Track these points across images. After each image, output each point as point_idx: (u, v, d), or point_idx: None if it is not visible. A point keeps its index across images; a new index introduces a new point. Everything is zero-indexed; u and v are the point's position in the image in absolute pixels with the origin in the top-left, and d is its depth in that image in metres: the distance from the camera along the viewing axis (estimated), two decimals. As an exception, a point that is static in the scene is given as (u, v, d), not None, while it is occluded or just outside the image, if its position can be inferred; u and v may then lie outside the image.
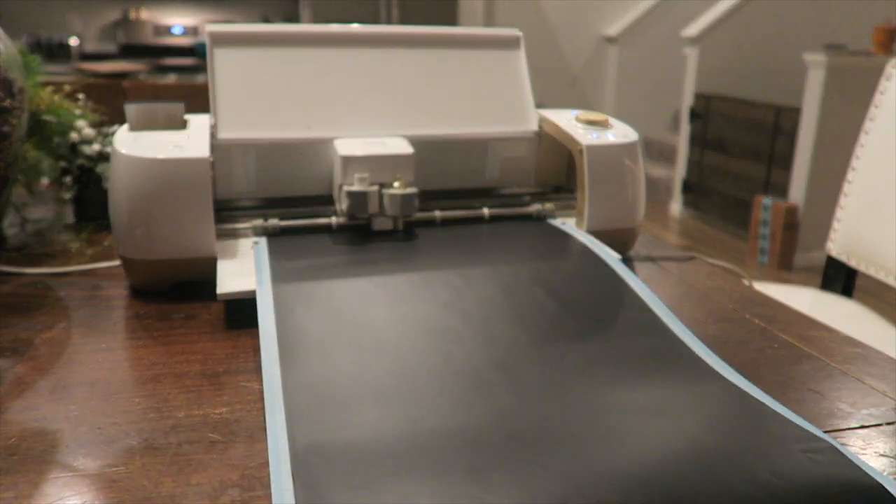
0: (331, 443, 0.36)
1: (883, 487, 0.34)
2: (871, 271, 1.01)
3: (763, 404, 0.41)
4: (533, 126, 0.73)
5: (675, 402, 0.40)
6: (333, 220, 0.64)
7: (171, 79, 2.87)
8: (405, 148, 0.63)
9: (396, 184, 0.61)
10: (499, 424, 0.38)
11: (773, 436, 0.37)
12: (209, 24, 0.67)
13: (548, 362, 0.44)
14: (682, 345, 0.47)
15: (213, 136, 0.63)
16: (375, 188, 0.61)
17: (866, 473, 0.35)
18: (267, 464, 0.36)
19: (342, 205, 0.61)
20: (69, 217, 0.81)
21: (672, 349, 0.47)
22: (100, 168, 0.77)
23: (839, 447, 0.37)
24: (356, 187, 0.60)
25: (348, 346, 0.45)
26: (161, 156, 0.56)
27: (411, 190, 0.62)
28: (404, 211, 0.61)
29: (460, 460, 0.34)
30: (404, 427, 0.37)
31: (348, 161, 0.61)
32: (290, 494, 0.32)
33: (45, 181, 0.77)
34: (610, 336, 0.48)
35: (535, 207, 0.70)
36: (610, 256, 0.60)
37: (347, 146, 0.62)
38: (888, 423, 0.42)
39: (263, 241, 0.60)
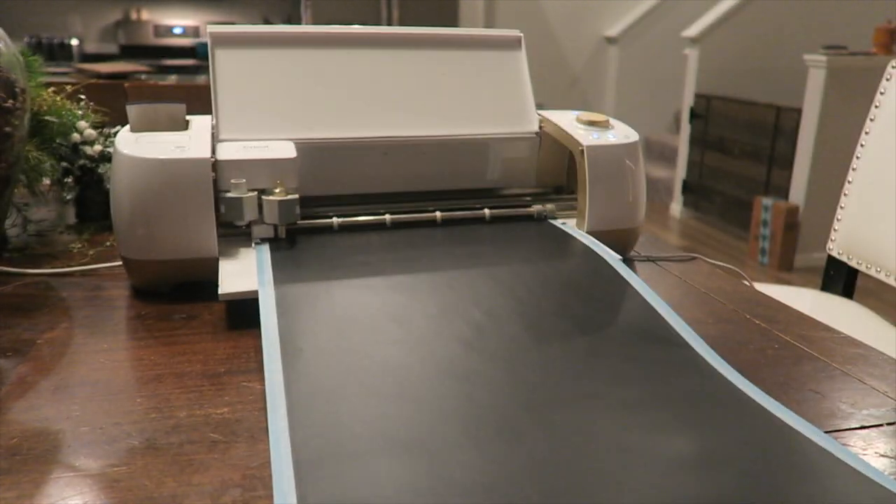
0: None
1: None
2: (872, 271, 1.01)
3: (801, 435, 0.37)
4: (533, 127, 0.73)
5: (721, 449, 0.36)
6: (335, 220, 0.64)
7: (172, 79, 2.87)
8: (288, 152, 0.61)
9: (277, 190, 0.59)
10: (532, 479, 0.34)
11: (830, 483, 0.33)
12: (210, 25, 0.67)
13: (579, 404, 0.40)
14: (723, 381, 0.43)
15: (214, 136, 0.63)
16: (253, 194, 0.58)
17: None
18: (268, 464, 0.36)
19: (220, 210, 0.59)
20: (71, 217, 0.81)
21: (709, 386, 0.43)
22: (101, 169, 0.77)
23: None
24: (231, 193, 0.58)
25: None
26: (163, 156, 0.56)
27: (292, 197, 0.59)
28: (284, 219, 0.59)
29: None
30: (421, 469, 0.34)
31: (223, 165, 0.58)
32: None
33: (46, 182, 0.77)
34: (642, 369, 0.44)
35: (535, 208, 0.70)
36: (611, 257, 0.60)
37: (226, 150, 0.60)
38: (889, 424, 0.42)
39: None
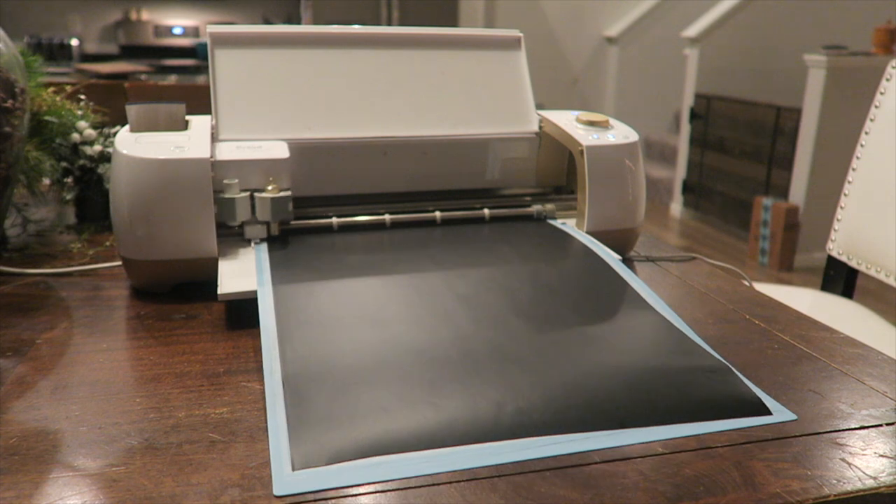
0: (315, 358, 0.44)
1: (760, 401, 0.43)
2: (872, 271, 1.01)
3: (684, 335, 0.49)
4: (533, 127, 0.73)
5: (612, 332, 0.49)
6: (334, 220, 0.64)
7: (172, 79, 2.87)
8: (281, 152, 0.61)
9: (270, 188, 0.59)
10: (456, 345, 0.46)
11: (684, 360, 0.46)
12: (210, 25, 0.67)
13: (509, 305, 0.51)
14: (633, 292, 0.54)
15: (214, 136, 0.63)
16: (245, 195, 0.59)
17: (749, 389, 0.44)
18: (268, 463, 0.36)
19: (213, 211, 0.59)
20: (70, 218, 0.81)
21: (624, 294, 0.54)
22: (101, 169, 0.77)
23: (732, 368, 0.45)
24: (225, 194, 0.58)
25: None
26: (162, 156, 0.56)
27: (284, 193, 0.59)
28: (277, 216, 0.59)
29: (420, 373, 0.43)
30: (377, 347, 0.45)
31: (217, 166, 0.58)
32: (281, 399, 0.40)
33: (46, 182, 0.77)
34: (573, 293, 0.54)
35: (535, 208, 0.70)
36: (611, 257, 0.60)
37: (219, 151, 0.60)
38: (888, 424, 0.42)
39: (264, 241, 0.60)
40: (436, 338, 0.47)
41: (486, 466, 0.36)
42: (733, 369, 0.45)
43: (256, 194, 0.59)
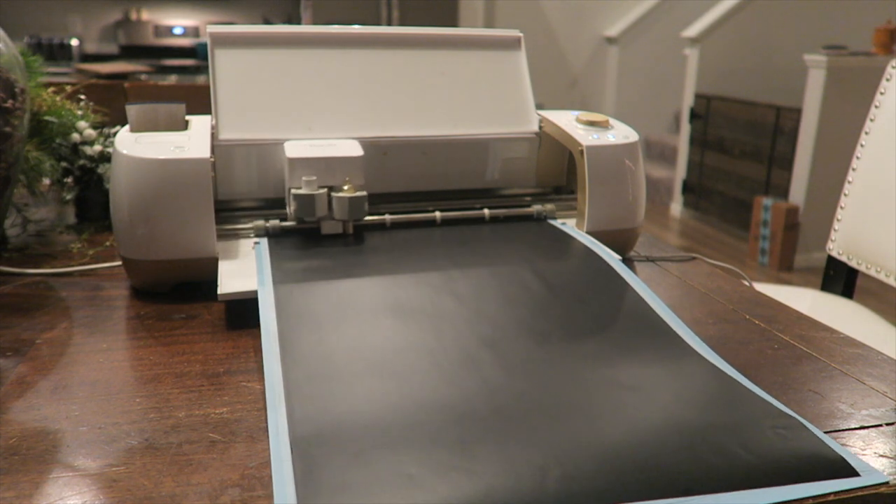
0: (327, 419, 0.38)
1: (844, 460, 0.37)
2: (872, 271, 1.01)
3: (737, 382, 0.44)
4: (533, 127, 0.73)
5: (654, 378, 0.43)
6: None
7: (171, 79, 2.87)
8: (355, 150, 0.62)
9: (346, 187, 0.60)
10: (485, 398, 0.41)
11: (745, 412, 0.40)
12: (210, 25, 0.67)
13: (533, 340, 0.47)
14: (663, 324, 0.50)
15: (214, 136, 0.63)
16: (323, 191, 0.59)
17: (829, 447, 0.38)
18: (268, 463, 0.36)
19: (290, 207, 0.60)
20: (70, 218, 0.81)
21: (654, 328, 0.49)
22: (101, 169, 0.77)
23: (806, 423, 0.40)
24: (303, 190, 0.59)
25: (349, 343, 0.46)
26: (162, 156, 0.56)
27: (360, 193, 0.60)
28: (353, 215, 0.60)
29: (448, 433, 0.37)
30: (396, 401, 0.40)
31: (295, 163, 0.59)
32: (289, 465, 0.34)
33: (46, 182, 0.77)
34: (595, 317, 0.50)
35: (535, 208, 0.70)
36: (611, 257, 0.60)
37: (295, 148, 0.61)
38: (888, 424, 0.42)
39: (264, 241, 0.60)
40: (460, 389, 0.42)
41: None
42: (804, 422, 0.40)
43: (333, 194, 0.60)
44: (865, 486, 0.36)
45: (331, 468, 0.34)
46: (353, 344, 0.46)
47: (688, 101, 3.49)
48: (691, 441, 0.37)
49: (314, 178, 0.59)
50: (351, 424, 0.38)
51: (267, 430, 0.39)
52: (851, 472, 0.36)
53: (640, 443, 0.37)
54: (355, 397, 0.40)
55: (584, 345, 0.47)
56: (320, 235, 0.62)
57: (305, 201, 0.59)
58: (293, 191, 0.59)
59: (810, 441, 0.38)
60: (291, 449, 0.36)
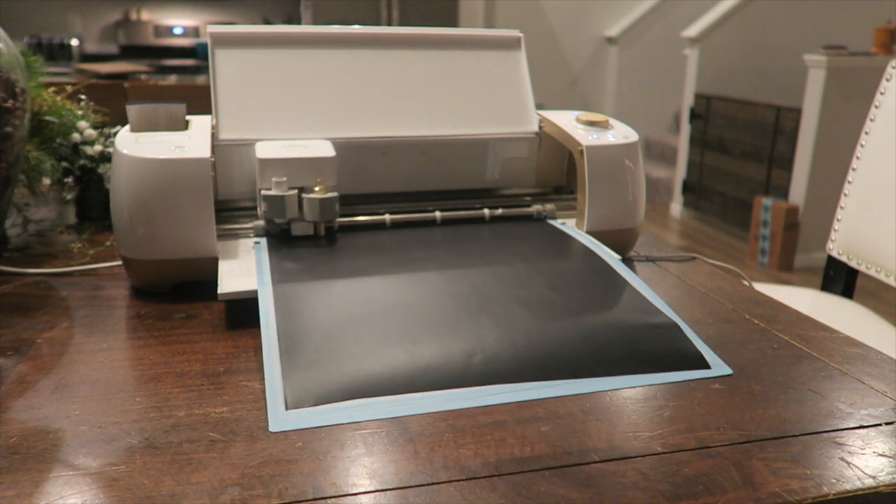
0: (307, 311, 0.48)
1: (702, 356, 0.48)
2: (872, 271, 1.02)
3: (643, 297, 0.53)
4: (533, 127, 0.73)
5: (582, 296, 0.53)
6: (335, 220, 0.64)
7: (172, 79, 2.87)
8: (327, 151, 0.61)
9: (317, 188, 0.60)
10: (431, 300, 0.51)
11: (637, 318, 0.51)
12: (210, 26, 0.67)
13: (485, 270, 0.56)
14: (613, 271, 0.58)
15: (214, 136, 0.63)
16: (294, 192, 0.59)
17: (693, 346, 0.48)
18: (268, 463, 0.37)
19: (260, 209, 0.60)
20: (71, 217, 0.81)
21: (604, 274, 0.57)
22: (101, 169, 0.77)
23: (684, 328, 0.50)
24: (273, 191, 0.59)
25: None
26: (162, 156, 0.56)
27: (331, 194, 0.60)
28: (324, 216, 0.60)
29: (399, 325, 0.48)
30: (360, 301, 0.50)
31: (265, 164, 0.59)
32: (276, 347, 0.45)
33: (46, 182, 0.77)
34: (556, 269, 0.58)
35: (535, 208, 0.70)
36: (610, 257, 0.60)
37: (266, 149, 0.61)
38: (887, 423, 0.42)
39: (264, 241, 0.60)
40: (416, 295, 0.52)
41: (459, 410, 0.41)
42: (681, 325, 0.50)
43: (304, 195, 0.60)
44: (714, 378, 0.46)
45: (307, 348, 0.45)
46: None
47: (688, 101, 3.49)
48: (585, 335, 0.48)
49: (284, 179, 0.59)
50: (324, 317, 0.48)
51: (267, 429, 0.39)
52: (704, 365, 0.47)
53: (547, 338, 0.48)
54: (329, 301, 0.50)
55: (529, 273, 0.56)
56: (320, 235, 0.62)
57: (275, 202, 0.59)
58: (263, 192, 0.59)
59: (679, 341, 0.49)
60: (278, 335, 0.46)
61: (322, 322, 0.48)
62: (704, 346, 0.49)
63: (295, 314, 0.48)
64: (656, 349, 0.48)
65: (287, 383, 0.42)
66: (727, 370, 0.47)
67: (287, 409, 0.40)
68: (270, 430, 0.39)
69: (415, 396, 0.42)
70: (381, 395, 0.42)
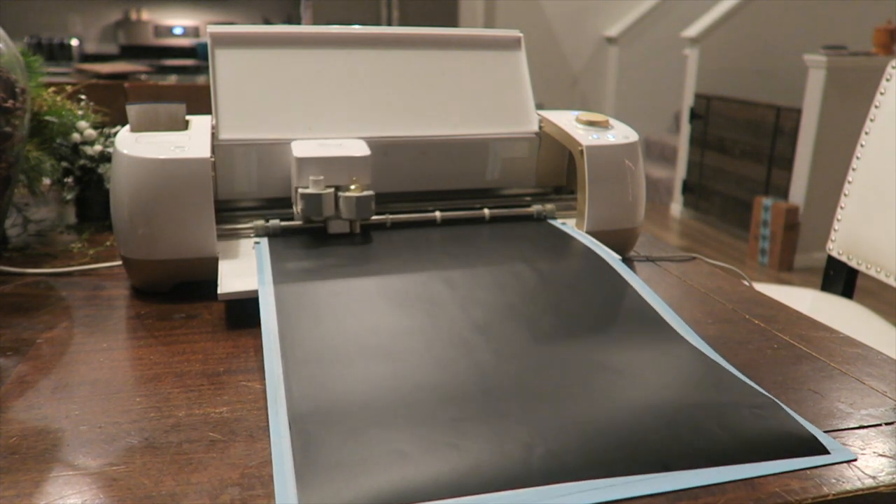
0: (324, 397, 0.40)
1: (816, 439, 0.39)
2: (872, 271, 1.02)
3: (720, 367, 0.45)
4: (533, 127, 0.73)
5: (640, 362, 0.45)
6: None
7: (172, 79, 2.87)
8: (362, 150, 0.62)
9: (353, 186, 0.60)
10: (476, 380, 0.42)
11: (724, 394, 0.42)
12: (210, 26, 0.67)
13: (524, 325, 0.49)
14: (654, 313, 0.52)
15: (214, 136, 0.63)
16: (331, 191, 0.60)
17: (802, 427, 0.40)
18: (268, 462, 0.36)
19: (297, 207, 0.60)
20: (71, 217, 0.81)
21: (645, 316, 0.51)
22: (101, 169, 0.77)
23: (782, 405, 0.42)
24: (310, 189, 0.59)
25: (347, 329, 0.46)
26: (162, 156, 0.56)
27: (367, 193, 0.60)
28: (360, 214, 0.60)
29: (440, 412, 0.39)
30: (390, 382, 0.42)
31: (302, 162, 0.60)
32: (288, 443, 0.36)
33: (46, 182, 0.77)
34: (587, 305, 0.52)
35: (535, 208, 0.70)
36: (611, 257, 0.60)
37: (302, 147, 0.61)
38: (887, 424, 0.42)
39: (264, 241, 0.60)
40: (452, 372, 0.43)
41: None
42: (779, 402, 0.42)
43: (341, 193, 0.60)
44: (834, 464, 0.38)
45: (327, 445, 0.36)
46: (351, 330, 0.47)
47: (688, 101, 3.49)
48: (671, 420, 0.39)
49: (321, 177, 0.59)
50: (347, 403, 0.40)
51: (267, 430, 0.39)
52: (822, 450, 0.38)
53: (622, 421, 0.39)
54: (351, 378, 0.42)
55: (574, 329, 0.49)
56: (320, 235, 0.62)
57: (313, 201, 0.59)
58: (300, 190, 0.59)
59: (784, 421, 0.40)
60: (290, 426, 0.37)
61: (340, 403, 0.40)
62: (810, 425, 0.40)
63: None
64: (763, 433, 0.39)
65: (302, 491, 0.33)
66: (849, 455, 0.38)
67: None
68: None
69: (466, 501, 0.33)
70: (422, 502, 0.33)
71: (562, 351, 0.46)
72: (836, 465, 0.37)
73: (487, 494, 0.34)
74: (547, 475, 0.35)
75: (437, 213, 0.67)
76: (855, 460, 0.38)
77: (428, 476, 0.34)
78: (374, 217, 0.65)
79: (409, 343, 0.46)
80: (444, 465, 0.35)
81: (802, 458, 0.38)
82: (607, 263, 0.59)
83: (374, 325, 0.48)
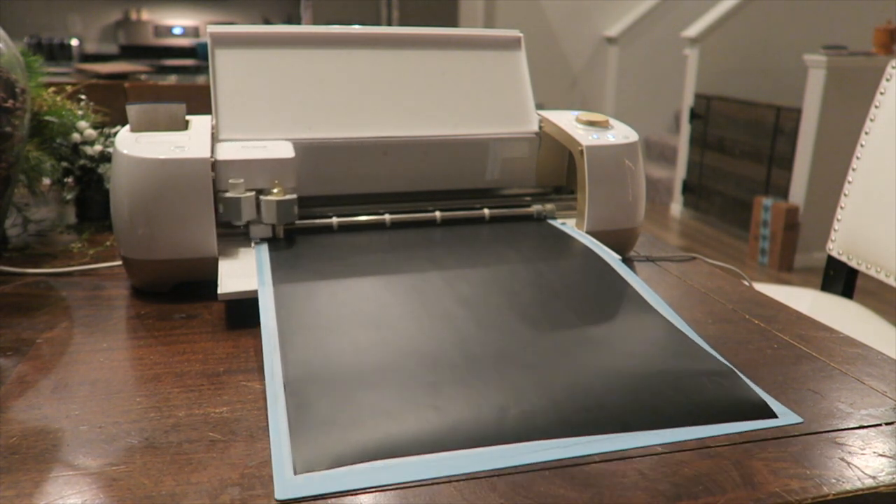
0: (317, 363, 0.43)
1: (766, 404, 0.43)
2: (872, 271, 1.02)
3: (688, 338, 0.49)
4: (533, 127, 0.73)
5: (615, 335, 0.49)
6: (334, 220, 0.64)
7: (172, 79, 2.87)
8: (286, 152, 0.61)
9: (275, 190, 0.59)
10: (458, 348, 0.46)
11: (686, 363, 0.46)
12: (210, 26, 0.67)
13: (510, 307, 0.52)
14: (634, 293, 0.54)
15: (214, 136, 0.63)
16: (251, 194, 0.59)
17: (755, 393, 0.43)
18: (267, 462, 0.37)
19: (219, 211, 0.59)
20: (71, 217, 0.81)
21: (624, 296, 0.54)
22: (101, 169, 0.77)
23: (738, 373, 0.45)
24: (230, 193, 0.58)
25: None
26: (162, 156, 0.56)
27: (290, 196, 0.59)
28: (282, 219, 0.59)
29: (422, 376, 0.43)
30: (378, 349, 0.45)
31: (222, 165, 0.58)
32: (283, 404, 0.40)
33: (46, 182, 0.77)
34: (573, 288, 0.55)
35: (535, 208, 0.70)
36: (610, 257, 0.60)
37: (225, 150, 0.60)
38: (887, 424, 0.42)
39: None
40: (438, 340, 0.46)
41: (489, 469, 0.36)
42: (738, 372, 0.45)
43: (262, 197, 0.59)
44: (782, 427, 0.41)
45: (319, 406, 0.40)
46: (343, 301, 0.50)
47: (688, 101, 3.49)
48: (634, 386, 0.43)
49: (241, 180, 0.58)
50: (337, 368, 0.43)
51: (267, 430, 0.39)
52: (771, 414, 0.42)
53: (590, 386, 0.43)
54: (342, 345, 0.45)
55: (555, 305, 0.52)
56: (320, 235, 0.62)
57: (232, 204, 0.58)
58: (220, 194, 0.58)
59: (738, 388, 0.44)
60: (285, 388, 0.41)
61: (332, 365, 0.43)
62: (765, 394, 0.44)
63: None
64: (717, 399, 0.42)
65: (295, 443, 0.37)
66: (796, 418, 0.42)
67: (296, 473, 0.35)
68: (277, 497, 0.34)
69: (444, 456, 0.37)
70: (405, 456, 0.37)
71: (542, 323, 0.49)
72: (836, 465, 0.37)
73: (464, 451, 0.37)
74: (518, 434, 0.39)
75: (437, 213, 0.67)
76: (801, 423, 0.41)
77: (410, 434, 0.38)
78: (374, 217, 0.65)
79: (396, 312, 0.49)
80: (425, 424, 0.39)
81: (751, 422, 0.41)
82: (607, 263, 0.59)
83: (365, 296, 0.51)
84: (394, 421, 0.39)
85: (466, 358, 0.45)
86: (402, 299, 0.52)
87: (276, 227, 0.61)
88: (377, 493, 0.34)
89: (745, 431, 0.40)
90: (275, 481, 0.35)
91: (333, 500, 0.34)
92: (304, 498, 0.34)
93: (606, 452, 0.38)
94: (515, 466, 0.36)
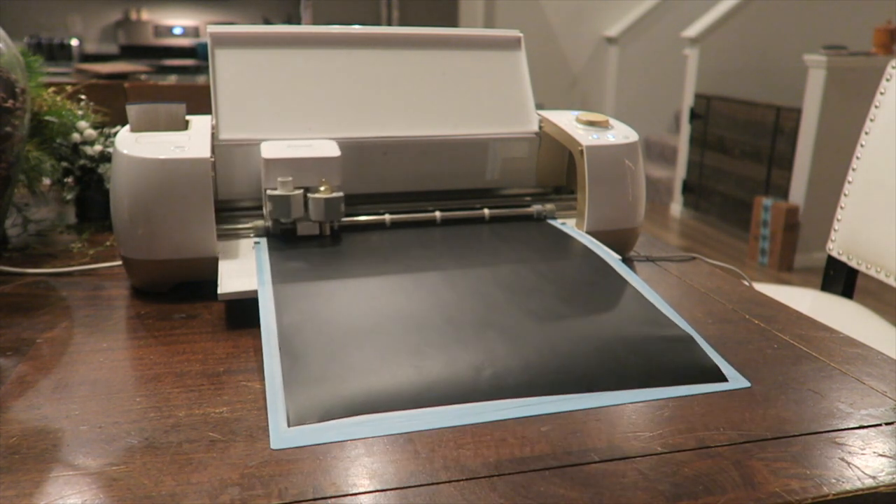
0: (309, 326, 0.47)
1: (718, 368, 0.47)
2: (872, 271, 1.01)
3: (654, 307, 0.53)
4: (533, 127, 0.73)
5: (585, 305, 0.52)
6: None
7: (172, 79, 2.87)
8: (332, 151, 0.61)
9: (322, 188, 0.60)
10: (440, 314, 0.50)
11: (647, 328, 0.50)
12: (210, 26, 0.67)
13: (491, 272, 0.56)
14: (614, 272, 0.58)
15: (214, 136, 0.63)
16: (299, 192, 0.59)
17: (708, 358, 0.47)
18: (268, 462, 0.37)
19: (266, 209, 0.60)
20: (71, 217, 0.81)
21: (606, 275, 0.57)
22: (101, 169, 0.77)
23: (696, 339, 0.49)
24: (278, 191, 0.59)
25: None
26: (162, 156, 0.56)
27: (337, 194, 0.60)
28: (329, 216, 0.60)
29: (406, 338, 0.47)
30: (366, 313, 0.49)
31: (270, 164, 0.59)
32: (278, 361, 0.43)
33: (46, 182, 0.77)
34: (558, 270, 0.57)
35: (535, 208, 0.70)
36: (610, 257, 0.60)
37: (271, 149, 0.61)
38: (887, 424, 0.42)
39: (264, 241, 0.60)
40: (423, 308, 0.50)
41: (467, 425, 0.40)
42: (696, 338, 0.49)
43: (310, 194, 0.60)
44: (731, 390, 0.44)
45: (311, 364, 0.43)
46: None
47: (688, 101, 3.49)
48: (599, 350, 0.47)
49: (290, 178, 0.59)
50: (326, 323, 0.47)
51: (267, 430, 0.39)
52: (722, 378, 0.46)
53: (560, 351, 0.46)
54: (332, 308, 0.49)
55: (537, 280, 0.55)
56: (320, 235, 0.62)
57: (281, 202, 0.59)
58: (268, 192, 0.59)
59: (694, 354, 0.48)
60: (279, 346, 0.44)
61: (324, 329, 0.47)
62: (721, 359, 0.48)
63: (295, 316, 0.48)
64: (672, 362, 0.46)
65: (289, 398, 0.41)
66: (745, 383, 0.45)
67: (290, 425, 0.39)
68: (272, 447, 0.37)
69: (423, 412, 0.41)
70: (387, 412, 0.40)
71: (521, 294, 0.53)
72: (836, 465, 0.37)
73: (441, 407, 0.41)
74: (491, 392, 0.42)
75: (437, 213, 0.67)
76: (750, 388, 0.45)
77: (392, 390, 0.42)
78: (374, 217, 0.65)
79: (384, 284, 0.53)
80: (406, 381, 0.43)
81: (702, 384, 0.45)
82: (607, 263, 0.59)
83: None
84: (378, 379, 0.43)
85: (448, 322, 0.48)
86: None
87: (322, 224, 0.61)
88: (377, 494, 0.35)
89: (698, 395, 0.44)
90: (270, 433, 0.39)
91: (322, 448, 0.38)
92: (297, 447, 0.38)
93: (570, 412, 0.42)
94: (512, 462, 0.37)
